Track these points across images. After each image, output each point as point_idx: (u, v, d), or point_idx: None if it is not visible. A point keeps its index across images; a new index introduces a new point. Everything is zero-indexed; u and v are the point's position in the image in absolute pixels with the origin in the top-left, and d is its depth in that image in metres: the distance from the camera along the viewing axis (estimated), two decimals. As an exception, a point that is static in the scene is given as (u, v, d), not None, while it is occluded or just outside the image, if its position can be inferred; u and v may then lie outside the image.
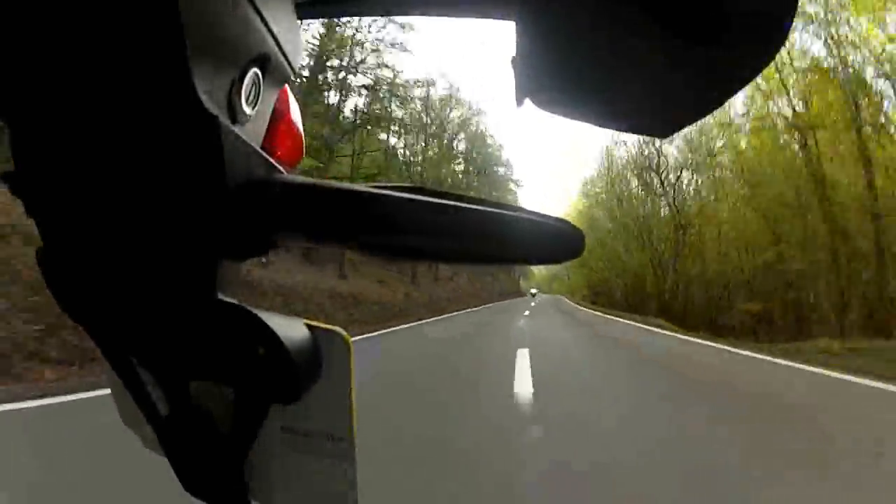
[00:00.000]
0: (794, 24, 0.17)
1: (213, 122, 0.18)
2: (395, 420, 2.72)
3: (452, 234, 0.19)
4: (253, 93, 0.21)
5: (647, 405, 3.51)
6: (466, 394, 3.71)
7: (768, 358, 6.19)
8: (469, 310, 18.33)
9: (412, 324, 10.77)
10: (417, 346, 7.34)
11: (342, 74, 16.34)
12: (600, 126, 0.21)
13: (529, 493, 1.92)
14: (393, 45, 17.04)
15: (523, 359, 5.32)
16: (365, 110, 17.50)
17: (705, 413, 3.22)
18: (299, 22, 0.24)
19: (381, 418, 2.58)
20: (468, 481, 1.99)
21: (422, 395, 3.58)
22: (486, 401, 3.48)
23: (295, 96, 0.28)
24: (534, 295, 31.68)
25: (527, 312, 17.22)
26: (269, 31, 0.20)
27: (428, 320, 11.92)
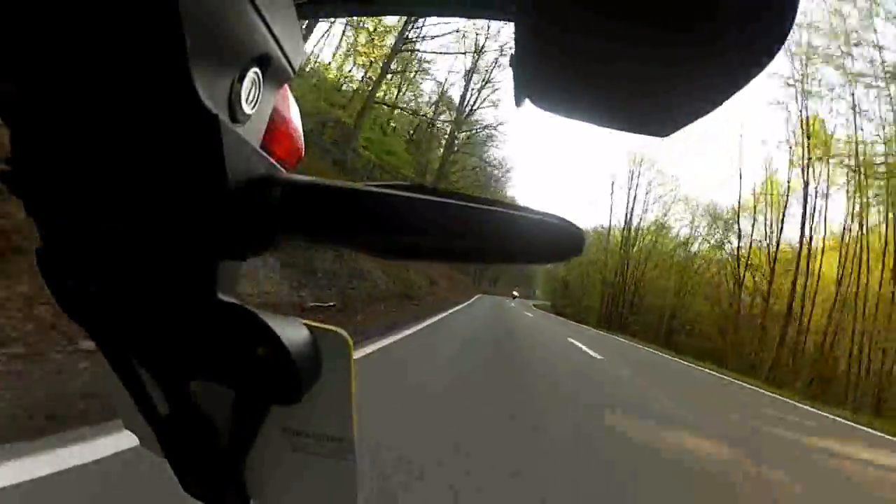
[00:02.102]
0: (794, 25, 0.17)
1: (214, 121, 0.18)
2: (489, 303, 20.95)
3: (453, 232, 0.19)
4: (253, 92, 0.21)
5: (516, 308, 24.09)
6: (498, 302, 27.13)
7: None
8: (502, 296, 44.70)
9: (487, 294, 34.21)
10: (488, 298, 28.25)
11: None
12: (599, 125, 0.21)
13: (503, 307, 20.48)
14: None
15: (510, 302, 34.89)
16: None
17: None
18: (299, 22, 0.24)
19: (484, 304, 18.69)
20: (496, 307, 19.10)
21: (493, 303, 22.86)
22: (502, 302, 27.85)
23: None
24: (515, 297, 46.79)
25: (510, 300, 39.68)
26: (270, 31, 0.20)
27: (489, 294, 35.96)
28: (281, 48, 0.22)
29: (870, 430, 6.98)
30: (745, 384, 10.80)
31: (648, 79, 0.19)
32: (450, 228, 0.19)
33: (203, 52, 0.17)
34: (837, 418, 7.72)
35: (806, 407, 8.53)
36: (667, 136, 0.22)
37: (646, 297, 30.24)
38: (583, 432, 2.83)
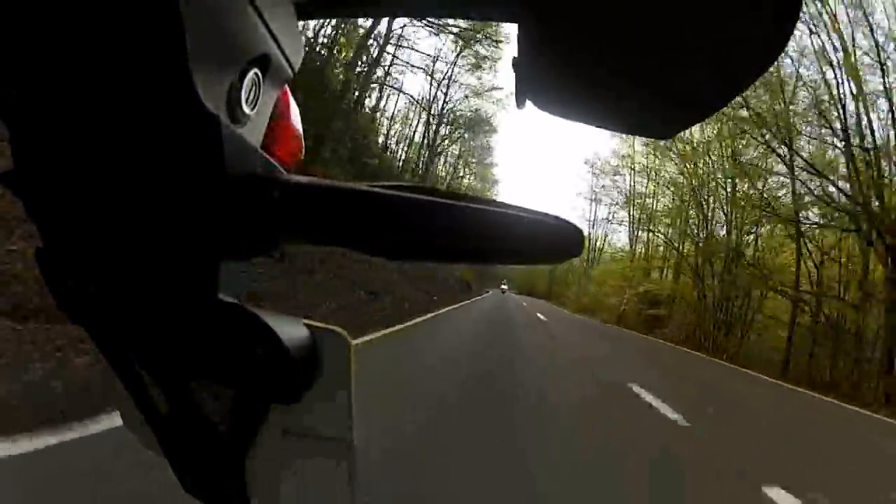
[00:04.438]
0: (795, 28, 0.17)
1: (214, 122, 0.18)
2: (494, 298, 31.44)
3: (453, 233, 0.19)
4: (253, 93, 0.21)
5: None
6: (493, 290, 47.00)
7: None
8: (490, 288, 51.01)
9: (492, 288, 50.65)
10: (493, 295, 38.24)
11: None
12: (601, 127, 0.21)
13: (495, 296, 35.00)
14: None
15: (500, 292, 46.93)
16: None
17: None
18: (299, 22, 0.24)
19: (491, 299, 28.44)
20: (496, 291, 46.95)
21: (496, 298, 32.17)
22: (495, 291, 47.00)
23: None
24: (504, 290, 52.55)
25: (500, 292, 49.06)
26: (269, 31, 0.20)
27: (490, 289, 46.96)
28: (281, 48, 0.22)
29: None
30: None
31: (650, 81, 0.19)
32: (450, 229, 0.19)
33: (203, 52, 0.17)
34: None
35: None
36: (668, 137, 0.22)
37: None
38: (507, 305, 22.67)
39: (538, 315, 17.59)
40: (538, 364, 6.12)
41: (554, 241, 0.20)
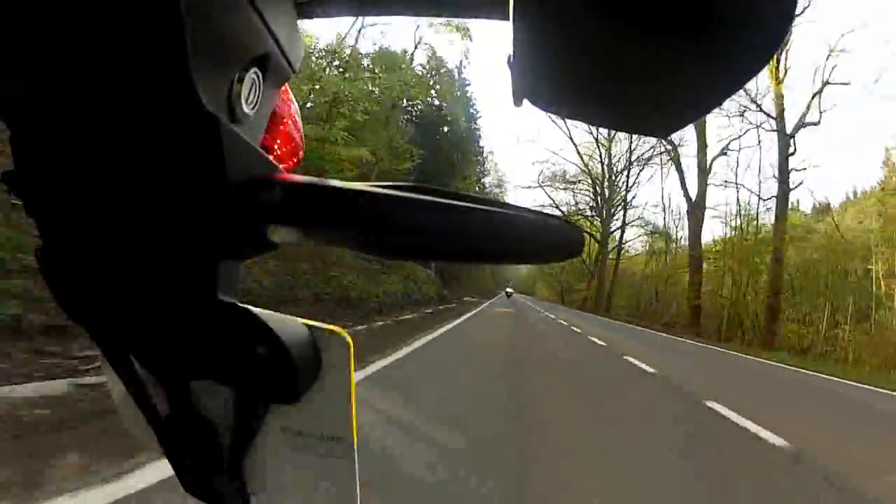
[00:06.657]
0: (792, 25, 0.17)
1: (213, 121, 0.18)
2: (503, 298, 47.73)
3: (451, 232, 0.19)
4: (253, 93, 0.21)
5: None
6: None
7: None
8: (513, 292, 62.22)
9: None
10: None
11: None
12: (597, 125, 0.21)
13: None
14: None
15: (506, 294, 55.02)
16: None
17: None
18: (299, 22, 0.24)
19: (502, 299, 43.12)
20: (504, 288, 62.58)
21: (504, 296, 50.01)
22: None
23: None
24: (509, 295, 54.34)
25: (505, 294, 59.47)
26: (269, 31, 0.20)
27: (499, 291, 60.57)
28: (281, 48, 0.22)
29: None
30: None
31: (647, 78, 0.19)
32: (449, 229, 0.19)
33: (203, 52, 0.17)
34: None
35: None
36: (665, 136, 0.22)
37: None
38: (514, 303, 36.33)
39: (522, 299, 45.58)
40: (519, 302, 36.79)
41: (555, 241, 0.20)
